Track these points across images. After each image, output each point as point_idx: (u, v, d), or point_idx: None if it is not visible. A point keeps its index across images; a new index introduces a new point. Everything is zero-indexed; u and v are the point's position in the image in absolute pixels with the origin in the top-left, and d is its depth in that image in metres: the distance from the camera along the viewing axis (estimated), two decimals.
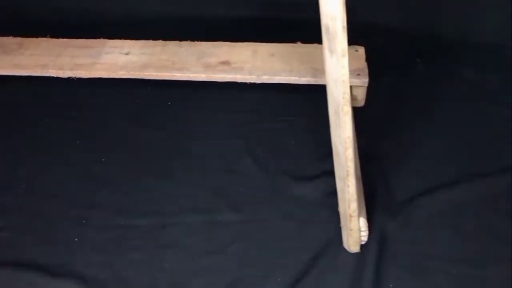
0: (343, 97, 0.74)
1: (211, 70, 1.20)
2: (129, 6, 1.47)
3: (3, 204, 1.07)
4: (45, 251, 0.99)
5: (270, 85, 1.22)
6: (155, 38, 1.29)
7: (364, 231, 0.95)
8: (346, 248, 0.98)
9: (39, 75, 1.23)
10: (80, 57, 1.24)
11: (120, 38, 1.29)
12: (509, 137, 1.15)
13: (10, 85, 1.29)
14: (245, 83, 1.22)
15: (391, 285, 0.93)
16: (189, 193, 1.08)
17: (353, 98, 1.21)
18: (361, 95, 1.20)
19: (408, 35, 1.40)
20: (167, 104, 1.27)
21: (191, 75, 1.20)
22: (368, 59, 1.21)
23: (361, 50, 1.23)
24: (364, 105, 1.23)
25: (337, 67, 0.71)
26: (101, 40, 1.28)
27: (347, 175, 0.84)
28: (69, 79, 1.24)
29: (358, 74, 1.18)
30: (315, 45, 1.23)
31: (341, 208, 0.92)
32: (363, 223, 0.94)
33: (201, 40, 1.28)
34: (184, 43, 1.27)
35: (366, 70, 1.18)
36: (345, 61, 0.70)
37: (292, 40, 1.27)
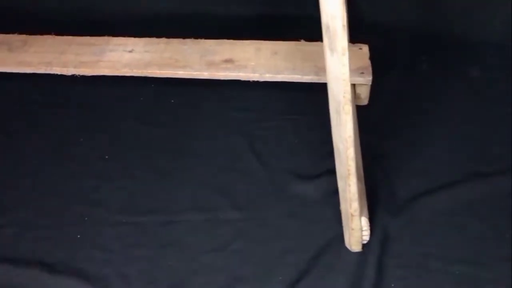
0: (343, 96, 0.73)
1: (214, 68, 1.19)
2: (133, 3, 1.47)
3: (6, 201, 1.07)
4: (47, 247, 0.99)
5: (274, 83, 1.21)
6: (159, 35, 1.29)
7: (366, 230, 0.95)
8: (348, 247, 0.98)
9: (43, 72, 1.23)
10: (84, 55, 1.24)
11: (124, 36, 1.29)
12: None
13: (14, 82, 1.29)
14: (249, 81, 1.21)
15: (392, 285, 0.93)
16: (192, 191, 1.08)
17: (356, 96, 1.20)
18: (364, 93, 1.20)
19: (413, 33, 1.38)
20: (171, 101, 1.27)
21: (194, 73, 1.19)
22: (372, 57, 1.21)
23: (365, 48, 1.22)
24: (368, 104, 1.22)
25: (338, 66, 0.70)
26: (105, 38, 1.28)
27: (348, 174, 0.84)
28: (73, 76, 1.24)
29: (362, 73, 1.17)
30: (319, 43, 1.21)
31: (343, 207, 0.92)
32: (364, 222, 0.94)
33: (205, 38, 1.27)
34: (187, 40, 1.26)
35: (370, 69, 1.18)
36: (345, 59, 0.69)
37: (296, 38, 1.27)
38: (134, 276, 0.96)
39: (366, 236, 0.96)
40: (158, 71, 1.20)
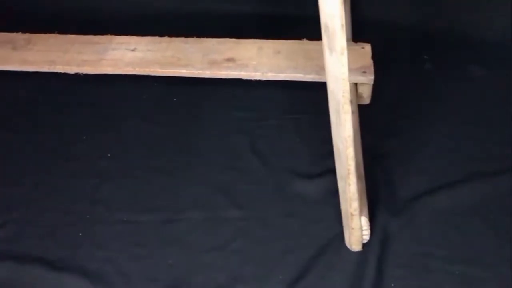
0: (343, 96, 0.73)
1: (216, 67, 1.20)
2: (136, 2, 1.48)
3: (9, 199, 1.08)
4: (49, 245, 1.00)
5: (277, 82, 1.21)
6: (161, 34, 1.29)
7: (366, 230, 0.95)
8: (348, 246, 0.97)
9: (46, 71, 1.24)
10: (87, 53, 1.25)
11: (127, 35, 1.30)
12: None
13: (17, 80, 1.30)
14: (251, 80, 1.21)
15: (392, 285, 0.93)
16: (192, 189, 1.09)
17: (358, 95, 1.20)
18: (366, 92, 1.19)
19: (415, 32, 1.38)
20: (173, 100, 1.27)
21: (196, 72, 1.20)
22: (375, 56, 1.20)
23: (368, 47, 1.22)
24: (371, 103, 1.22)
25: (337, 66, 0.70)
26: (108, 37, 1.29)
27: (348, 173, 0.84)
28: (76, 75, 1.25)
29: (364, 72, 1.17)
30: (321, 42, 1.22)
31: (343, 206, 0.92)
32: (364, 222, 0.94)
33: (207, 37, 1.28)
34: (190, 39, 1.27)
35: (372, 68, 1.17)
36: (344, 59, 0.69)
37: (298, 37, 1.26)
38: (134, 274, 0.96)
39: (366, 235, 0.96)
40: (160, 70, 1.21)
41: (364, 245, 0.97)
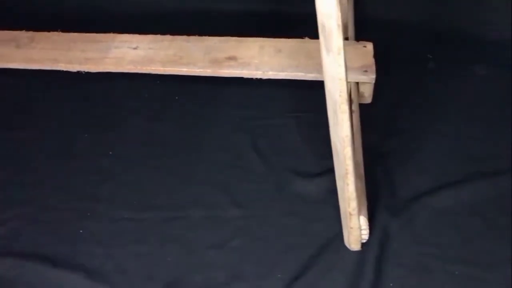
0: (340, 95, 0.73)
1: (217, 66, 1.20)
2: (139, 0, 1.48)
3: (10, 196, 1.09)
4: (50, 242, 1.01)
5: (278, 80, 1.21)
6: (164, 32, 1.29)
7: (364, 229, 0.95)
8: (347, 246, 0.97)
9: (49, 68, 1.25)
10: (90, 52, 1.25)
11: (130, 33, 1.30)
12: None
13: (21, 78, 1.31)
14: (253, 79, 1.21)
15: (391, 284, 0.93)
16: (193, 187, 1.09)
17: (360, 94, 1.20)
18: (368, 91, 1.19)
19: (419, 31, 1.37)
20: (175, 98, 1.27)
21: (198, 70, 1.20)
22: (378, 55, 1.20)
23: (369, 46, 1.21)
24: (372, 102, 1.22)
25: (333, 65, 0.70)
26: (111, 35, 1.29)
27: (346, 173, 0.84)
28: (78, 73, 1.25)
29: (365, 71, 1.16)
30: None
31: (341, 206, 0.92)
32: (363, 221, 0.94)
33: (210, 35, 1.28)
34: (192, 38, 1.27)
35: (374, 67, 1.17)
36: (341, 59, 0.69)
37: (300, 36, 1.26)
38: (134, 271, 0.97)
39: (365, 235, 0.96)
40: (161, 68, 1.21)
41: (363, 244, 0.97)
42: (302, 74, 1.18)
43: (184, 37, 1.27)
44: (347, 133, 0.78)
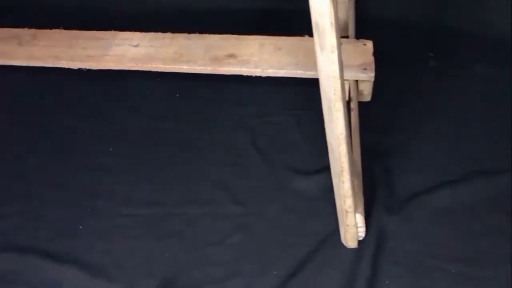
0: (334, 93, 0.74)
1: (217, 63, 1.20)
2: None
3: (10, 191, 1.10)
4: (50, 237, 1.02)
5: (278, 78, 1.22)
6: (165, 30, 1.30)
7: (361, 227, 0.95)
8: (344, 243, 0.98)
9: (51, 66, 1.26)
10: (91, 49, 1.26)
11: (131, 31, 1.31)
12: None
13: (22, 74, 1.32)
14: (252, 76, 1.22)
15: (387, 282, 0.93)
16: (192, 184, 1.10)
17: (359, 92, 1.20)
18: (367, 89, 1.19)
19: (420, 29, 1.37)
20: (176, 96, 1.28)
21: (198, 67, 1.21)
22: (379, 54, 1.20)
23: (369, 44, 1.22)
24: (371, 100, 1.22)
25: (327, 64, 0.70)
26: (112, 32, 1.30)
27: (342, 171, 0.84)
28: (80, 70, 1.26)
29: (365, 69, 1.17)
30: None
31: (337, 203, 0.92)
32: (359, 219, 0.94)
33: (210, 33, 1.28)
34: (192, 35, 1.28)
35: (373, 65, 1.17)
36: (334, 57, 0.69)
37: (300, 34, 1.26)
38: (133, 267, 0.97)
39: (361, 233, 0.96)
40: (162, 66, 1.22)
41: (360, 242, 0.97)
42: (302, 72, 1.19)
43: (185, 34, 1.28)
44: (342, 130, 0.78)
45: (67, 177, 1.12)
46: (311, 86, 1.22)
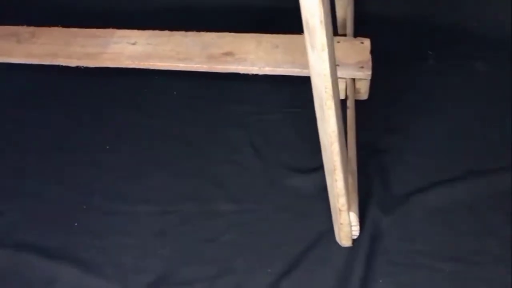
0: (325, 92, 0.73)
1: (214, 61, 1.20)
2: None
3: (6, 188, 1.11)
4: (46, 234, 1.03)
5: (275, 76, 1.21)
6: (162, 28, 1.30)
7: (355, 226, 0.95)
8: (338, 242, 0.98)
9: (49, 63, 1.26)
10: (89, 47, 1.26)
11: (129, 28, 1.31)
12: None
13: (20, 72, 1.33)
14: (249, 74, 1.22)
15: (380, 281, 0.93)
16: (188, 181, 1.10)
17: (356, 91, 1.19)
18: (364, 88, 1.19)
19: (419, 27, 1.36)
20: (173, 93, 1.28)
21: (194, 65, 1.21)
22: (377, 52, 1.19)
23: (367, 42, 1.21)
24: (368, 98, 1.21)
25: (318, 62, 0.70)
26: (110, 30, 1.30)
27: (334, 169, 0.84)
28: (77, 68, 1.27)
29: (361, 67, 1.16)
30: None
31: (331, 202, 0.92)
32: (353, 217, 0.94)
33: (207, 31, 1.28)
34: (189, 33, 1.27)
35: (370, 63, 1.16)
36: (325, 55, 0.69)
37: (297, 32, 1.26)
38: (127, 264, 0.98)
39: (355, 231, 0.96)
40: (159, 63, 1.22)
41: (354, 240, 0.97)
42: (299, 70, 1.19)
43: (182, 32, 1.28)
44: (334, 128, 0.78)
45: (63, 174, 1.13)
46: (308, 84, 1.21)
